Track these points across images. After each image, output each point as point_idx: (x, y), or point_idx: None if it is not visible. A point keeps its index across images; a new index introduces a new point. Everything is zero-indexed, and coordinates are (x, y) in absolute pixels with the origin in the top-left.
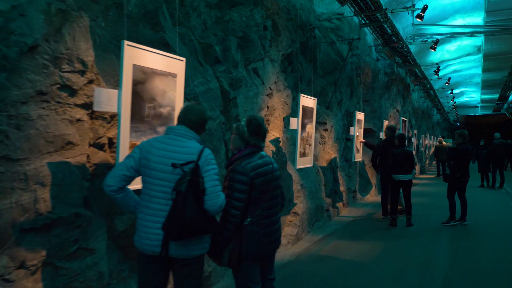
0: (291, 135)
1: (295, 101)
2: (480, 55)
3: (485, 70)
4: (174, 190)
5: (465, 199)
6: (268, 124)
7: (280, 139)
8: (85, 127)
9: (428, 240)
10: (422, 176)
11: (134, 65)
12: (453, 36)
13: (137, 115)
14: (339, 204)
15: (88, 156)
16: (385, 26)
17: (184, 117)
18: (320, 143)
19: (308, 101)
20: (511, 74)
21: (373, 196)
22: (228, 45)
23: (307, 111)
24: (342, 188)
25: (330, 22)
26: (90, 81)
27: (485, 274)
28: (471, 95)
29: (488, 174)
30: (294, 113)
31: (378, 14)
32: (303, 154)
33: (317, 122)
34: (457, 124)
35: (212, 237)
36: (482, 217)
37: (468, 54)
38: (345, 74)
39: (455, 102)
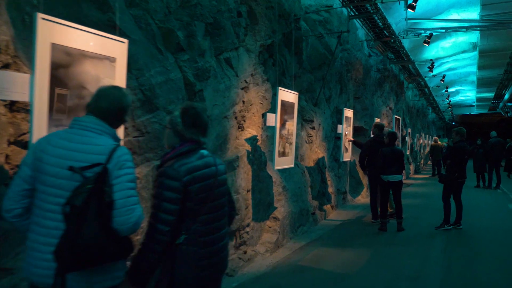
0: (272, 133)
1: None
2: (476, 52)
3: (480, 67)
4: (67, 203)
5: (461, 201)
6: (244, 121)
7: (258, 137)
8: (2, 121)
9: (420, 247)
10: (416, 176)
11: (53, 45)
12: (448, 31)
13: (58, 106)
14: (327, 207)
15: (7, 157)
16: (376, 18)
17: (95, 104)
18: (306, 142)
19: (288, 95)
20: (507, 72)
21: (365, 198)
22: (193, 31)
23: (287, 106)
24: (330, 190)
25: (318, 14)
26: (5, 65)
27: (482, 287)
28: (466, 94)
29: (484, 174)
30: (274, 109)
31: (368, 5)
32: (283, 154)
33: (303, 120)
34: (453, 123)
35: (133, 261)
36: (478, 220)
37: (463, 51)
38: (335, 69)
39: (450, 101)
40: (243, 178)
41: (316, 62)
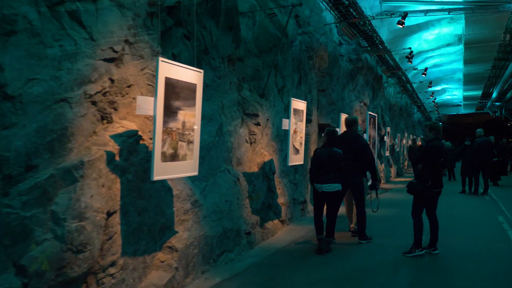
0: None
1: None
2: (461, 46)
3: (466, 61)
4: None
5: (436, 218)
6: (115, 109)
7: (140, 134)
8: None
9: (378, 285)
10: (398, 179)
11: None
12: (428, 15)
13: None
14: (274, 222)
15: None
16: None
17: None
18: (248, 142)
19: (187, 75)
20: (495, 68)
21: None
22: None
23: (179, 87)
24: (281, 200)
25: None
26: None
27: None
28: (453, 93)
29: (473, 178)
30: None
31: None
32: (174, 157)
33: (245, 114)
34: (440, 123)
35: None
36: (459, 240)
37: (448, 45)
38: (292, 55)
39: (435, 98)
40: (97, 194)
41: (266, 44)
